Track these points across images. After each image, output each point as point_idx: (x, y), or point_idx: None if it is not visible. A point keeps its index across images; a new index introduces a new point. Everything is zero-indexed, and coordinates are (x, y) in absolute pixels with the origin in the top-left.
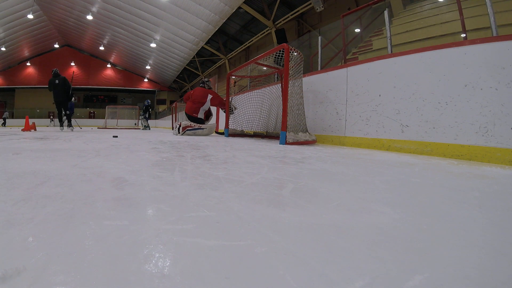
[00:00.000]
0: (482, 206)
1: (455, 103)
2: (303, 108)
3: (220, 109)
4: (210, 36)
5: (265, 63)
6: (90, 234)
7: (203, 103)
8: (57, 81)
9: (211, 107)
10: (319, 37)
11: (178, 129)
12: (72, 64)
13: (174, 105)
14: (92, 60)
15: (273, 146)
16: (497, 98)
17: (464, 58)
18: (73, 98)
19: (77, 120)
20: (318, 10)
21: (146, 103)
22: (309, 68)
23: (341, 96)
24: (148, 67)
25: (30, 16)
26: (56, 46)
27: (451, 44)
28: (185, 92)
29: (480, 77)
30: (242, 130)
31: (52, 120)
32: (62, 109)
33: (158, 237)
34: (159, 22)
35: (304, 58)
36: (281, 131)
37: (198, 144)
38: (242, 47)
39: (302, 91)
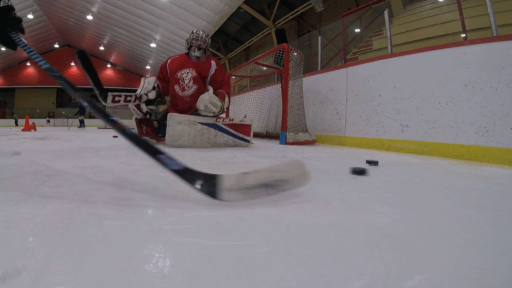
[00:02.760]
0: (482, 206)
1: (455, 103)
2: (303, 108)
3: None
4: (210, 36)
5: (265, 63)
6: (90, 234)
7: None
8: None
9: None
10: (319, 37)
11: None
12: (72, 64)
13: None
14: (92, 60)
15: (273, 146)
16: (497, 98)
17: (464, 58)
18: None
19: (78, 120)
20: (318, 10)
21: None
22: (309, 68)
23: (341, 96)
24: (148, 67)
25: (30, 16)
26: (56, 46)
27: (451, 44)
28: None
29: (480, 77)
30: None
31: (49, 121)
32: None
33: (158, 237)
34: (159, 22)
35: (304, 58)
36: (281, 131)
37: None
38: (242, 47)
39: (302, 91)
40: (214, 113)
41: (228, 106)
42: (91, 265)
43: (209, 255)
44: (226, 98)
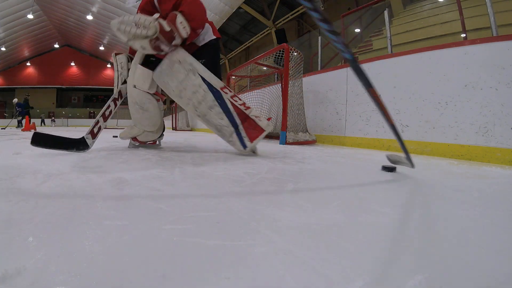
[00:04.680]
0: (482, 206)
1: (455, 103)
2: (303, 108)
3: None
4: None
5: (265, 63)
6: (90, 234)
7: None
8: None
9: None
10: (319, 37)
11: None
12: (72, 64)
13: (174, 105)
14: (92, 60)
15: (273, 146)
16: (497, 98)
17: (464, 58)
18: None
19: (78, 120)
20: None
21: None
22: (309, 68)
23: (341, 96)
24: None
25: (30, 16)
26: (56, 46)
27: (451, 44)
28: None
29: (480, 77)
30: None
31: (54, 121)
32: None
33: (158, 237)
34: None
35: (304, 58)
36: (281, 131)
37: (198, 143)
38: (242, 47)
39: (302, 91)
40: (134, 36)
41: (191, 33)
42: (91, 265)
43: (209, 255)
44: (180, 19)
